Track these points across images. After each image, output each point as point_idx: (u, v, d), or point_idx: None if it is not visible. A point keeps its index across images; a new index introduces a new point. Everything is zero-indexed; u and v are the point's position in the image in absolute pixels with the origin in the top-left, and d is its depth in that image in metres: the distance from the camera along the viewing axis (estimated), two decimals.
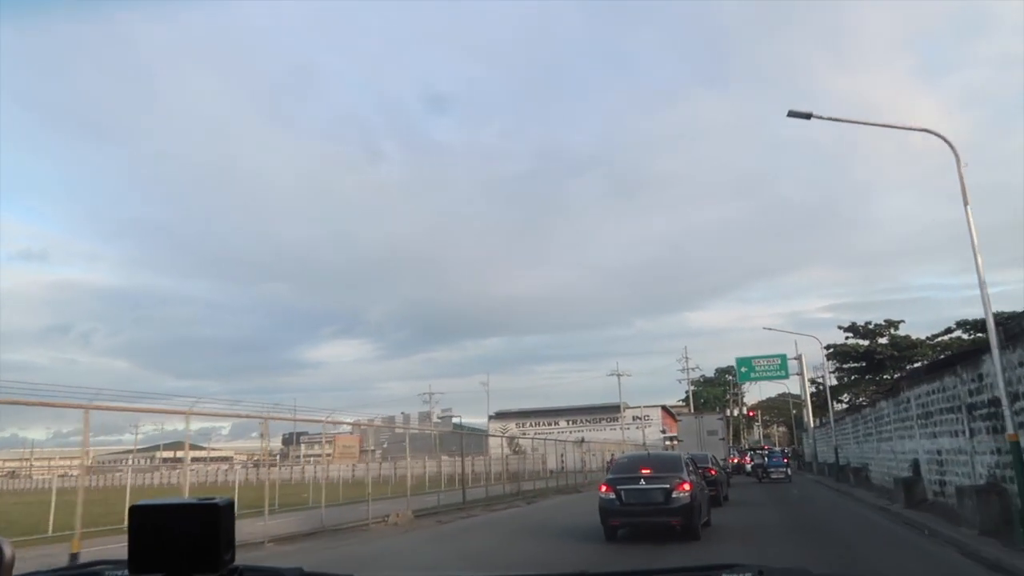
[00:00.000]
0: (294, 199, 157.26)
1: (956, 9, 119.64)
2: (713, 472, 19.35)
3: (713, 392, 76.32)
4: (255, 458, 73.22)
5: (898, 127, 15.08)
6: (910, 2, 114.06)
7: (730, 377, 77.32)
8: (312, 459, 71.81)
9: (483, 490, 28.63)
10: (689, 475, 12.85)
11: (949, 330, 35.18)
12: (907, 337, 35.47)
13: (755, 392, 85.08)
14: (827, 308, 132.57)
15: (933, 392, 17.70)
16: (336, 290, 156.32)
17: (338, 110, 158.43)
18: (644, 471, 12.71)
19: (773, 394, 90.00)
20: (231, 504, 1.33)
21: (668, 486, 12.18)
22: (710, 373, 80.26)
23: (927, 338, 35.23)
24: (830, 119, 14.07)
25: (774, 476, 34.86)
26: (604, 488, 12.76)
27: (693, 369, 72.43)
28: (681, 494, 12.13)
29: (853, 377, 36.34)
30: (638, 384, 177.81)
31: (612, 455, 37.14)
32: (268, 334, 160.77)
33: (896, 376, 35.03)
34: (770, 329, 35.42)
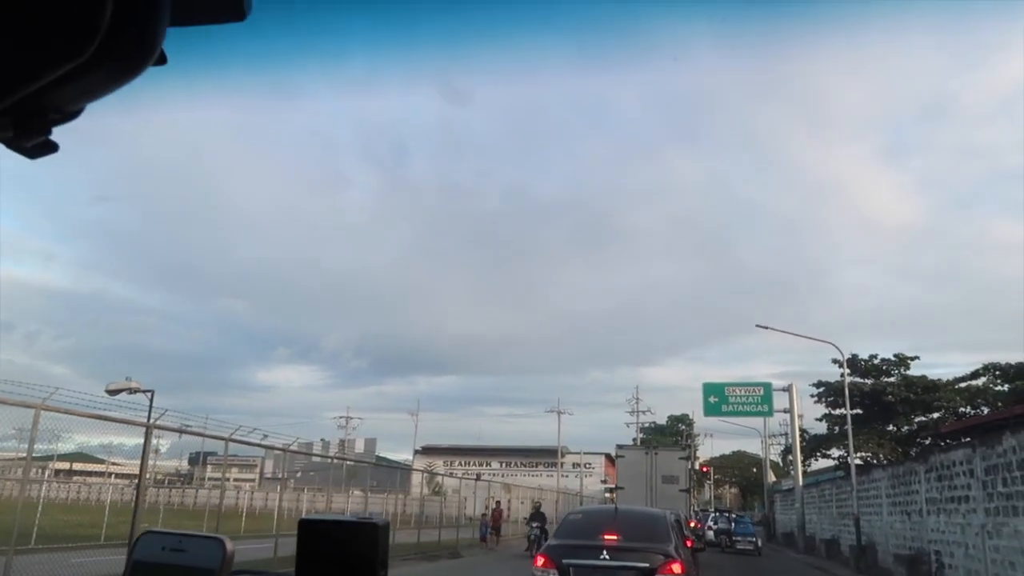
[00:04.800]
0: (261, 218, 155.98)
1: (922, 95, 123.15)
2: (690, 543, 12.09)
3: (664, 442, 68.75)
4: (158, 477, 67.15)
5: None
6: (879, 84, 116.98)
7: (683, 427, 69.91)
8: (218, 482, 65.24)
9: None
10: (679, 549, 8.68)
11: (977, 373, 28.20)
12: (924, 377, 28.25)
13: (706, 448, 79.28)
14: (779, 375, 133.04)
15: None
16: (294, 313, 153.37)
17: (311, 135, 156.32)
18: (609, 537, 8.57)
19: (728, 451, 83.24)
20: (387, 525, 1.44)
21: (649, 565, 8.07)
22: (662, 420, 72.79)
23: (951, 380, 28.14)
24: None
25: (740, 547, 28.75)
26: (541, 561, 8.58)
27: (644, 412, 64.63)
28: None
29: (842, 427, 28.45)
30: (585, 435, 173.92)
31: (537, 505, 28.70)
32: (221, 351, 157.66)
33: (915, 427, 27.60)
34: (765, 328, 26.89)
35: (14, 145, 0.75)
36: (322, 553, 1.39)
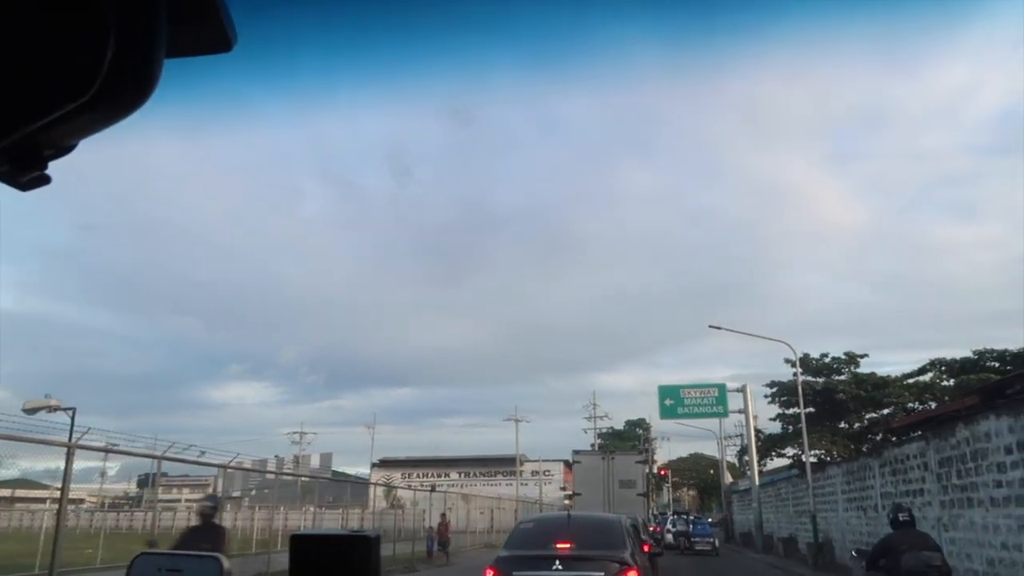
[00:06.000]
0: (211, 234, 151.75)
1: (865, 102, 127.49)
2: (647, 548, 11.71)
3: (622, 447, 68.88)
4: (106, 500, 65.85)
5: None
6: (823, 92, 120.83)
7: (640, 431, 70.11)
8: (169, 504, 62.99)
9: None
10: (635, 555, 8.19)
11: (924, 369, 28.70)
12: (873, 374, 28.61)
13: (664, 452, 79.73)
14: (734, 378, 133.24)
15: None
16: (248, 330, 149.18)
17: (263, 150, 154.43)
18: (562, 546, 8.06)
19: (685, 454, 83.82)
20: (379, 537, 1.46)
21: (604, 574, 7.60)
22: (620, 426, 72.79)
23: (899, 377, 28.55)
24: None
25: (699, 548, 28.64)
26: (490, 574, 7.94)
27: (601, 418, 64.58)
28: None
29: (795, 426, 28.61)
30: (544, 443, 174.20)
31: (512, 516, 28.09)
32: (172, 371, 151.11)
33: (866, 424, 27.82)
34: (718, 328, 26.93)
35: (8, 179, 0.76)
36: (315, 568, 1.39)
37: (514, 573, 7.92)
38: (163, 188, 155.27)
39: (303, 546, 1.41)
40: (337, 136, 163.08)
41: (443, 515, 27.13)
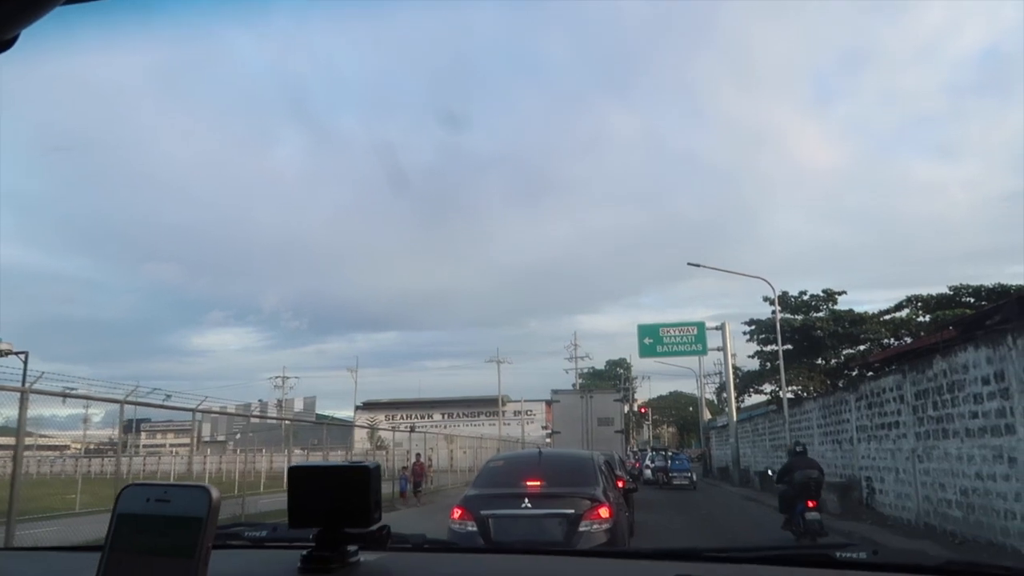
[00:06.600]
0: (189, 178, 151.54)
1: (845, 42, 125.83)
2: (622, 484, 11.60)
3: (602, 386, 69.75)
4: (90, 446, 64.59)
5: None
6: (804, 32, 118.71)
7: (621, 371, 70.86)
8: (154, 450, 64.93)
9: None
10: (607, 492, 8.01)
11: (900, 305, 28.80)
12: (850, 311, 28.69)
13: (644, 391, 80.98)
14: (714, 318, 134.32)
15: None
16: (229, 276, 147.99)
17: (237, 91, 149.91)
18: (531, 483, 7.93)
19: (665, 392, 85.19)
20: (379, 467, 1.45)
21: (574, 511, 7.42)
22: (601, 366, 73.56)
23: (876, 313, 28.66)
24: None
25: (676, 483, 28.86)
26: (458, 513, 7.77)
27: (583, 358, 65.04)
28: (596, 526, 7.34)
29: (773, 363, 28.76)
30: (527, 384, 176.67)
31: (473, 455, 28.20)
32: (151, 317, 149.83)
33: (843, 360, 27.98)
34: (697, 265, 26.79)
35: None
36: (314, 499, 1.38)
37: (482, 512, 7.69)
38: (138, 131, 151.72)
39: (301, 478, 1.40)
40: (315, 77, 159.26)
41: (417, 456, 27.13)
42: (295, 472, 1.41)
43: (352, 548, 1.41)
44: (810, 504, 11.80)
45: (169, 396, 15.10)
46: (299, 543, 1.56)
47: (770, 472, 15.46)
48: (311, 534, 1.40)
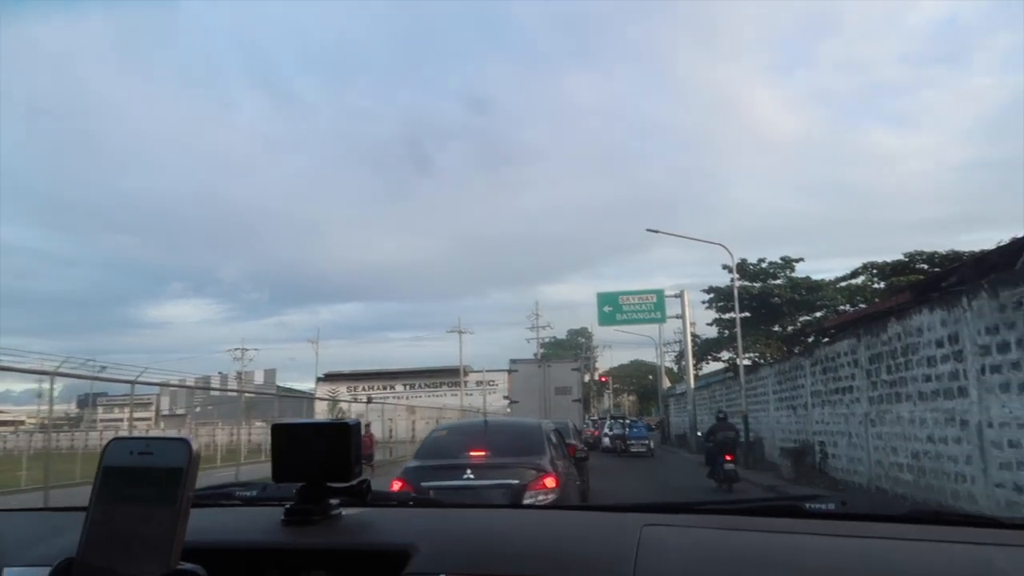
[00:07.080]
0: (148, 146, 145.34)
1: (807, 9, 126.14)
2: (573, 451, 11.51)
3: (563, 355, 70.01)
4: (44, 422, 63.61)
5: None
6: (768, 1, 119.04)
7: (582, 340, 71.12)
8: (110, 424, 60.55)
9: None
10: (555, 461, 7.76)
11: (856, 272, 29.04)
12: (808, 278, 28.89)
13: (605, 360, 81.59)
14: (675, 287, 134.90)
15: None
16: (188, 247, 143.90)
17: (196, 57, 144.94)
18: (475, 454, 7.60)
19: (626, 361, 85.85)
20: (358, 424, 1.49)
21: (519, 482, 7.15)
22: (562, 335, 73.70)
23: (833, 280, 28.89)
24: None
25: (634, 450, 28.99)
26: (397, 486, 7.18)
27: (544, 328, 64.97)
28: (542, 496, 6.98)
29: (731, 331, 28.85)
30: (489, 354, 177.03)
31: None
32: (108, 290, 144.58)
33: (800, 326, 28.18)
34: (656, 232, 26.57)
35: None
36: (296, 455, 1.42)
37: (422, 484, 7.24)
38: (92, 97, 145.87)
39: (283, 435, 1.44)
40: (274, 40, 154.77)
41: (367, 426, 26.54)
42: (278, 429, 1.45)
43: (334, 502, 1.44)
44: (727, 457, 14.81)
45: (104, 368, 14.35)
46: (287, 501, 1.56)
47: (699, 434, 19.54)
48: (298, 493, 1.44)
